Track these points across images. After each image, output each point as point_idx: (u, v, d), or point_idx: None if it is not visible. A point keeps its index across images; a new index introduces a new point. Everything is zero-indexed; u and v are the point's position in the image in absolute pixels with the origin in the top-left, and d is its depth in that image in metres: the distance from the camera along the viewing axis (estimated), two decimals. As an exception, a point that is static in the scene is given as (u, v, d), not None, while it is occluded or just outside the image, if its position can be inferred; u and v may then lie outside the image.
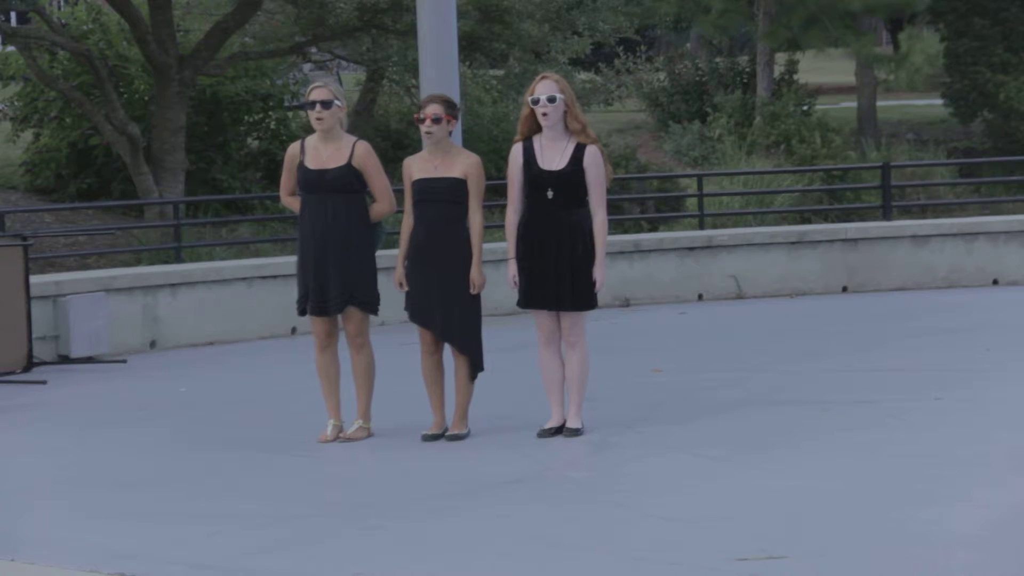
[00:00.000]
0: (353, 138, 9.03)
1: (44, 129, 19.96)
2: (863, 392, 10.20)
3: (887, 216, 17.35)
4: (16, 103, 20.40)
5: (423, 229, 8.91)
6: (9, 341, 12.04)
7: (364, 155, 8.95)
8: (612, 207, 16.80)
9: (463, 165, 8.91)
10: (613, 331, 13.59)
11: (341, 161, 8.92)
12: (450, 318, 8.90)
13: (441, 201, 8.88)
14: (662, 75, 28.84)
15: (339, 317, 9.04)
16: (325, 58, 24.48)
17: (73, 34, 19.45)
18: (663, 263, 15.98)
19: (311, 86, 9.06)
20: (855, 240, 16.36)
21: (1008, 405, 9.66)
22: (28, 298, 12.24)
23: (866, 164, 22.49)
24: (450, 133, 9.01)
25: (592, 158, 8.78)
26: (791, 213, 20.49)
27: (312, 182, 8.93)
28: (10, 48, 20.08)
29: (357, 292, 8.94)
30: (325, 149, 8.97)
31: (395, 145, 21.15)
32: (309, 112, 8.95)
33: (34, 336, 12.38)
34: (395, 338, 11.60)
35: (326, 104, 8.90)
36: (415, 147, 18.30)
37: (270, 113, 21.18)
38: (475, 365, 9.03)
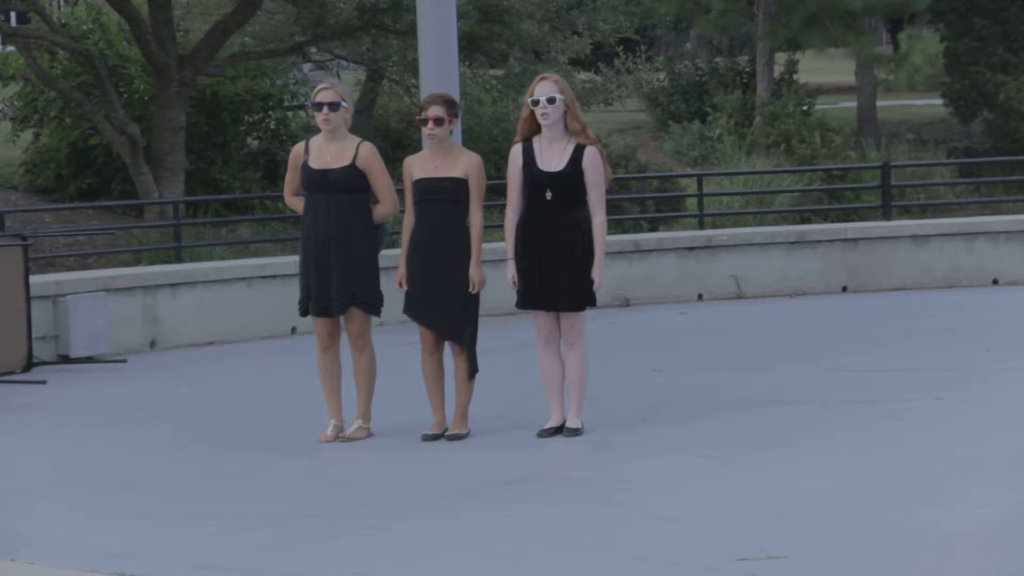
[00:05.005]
0: (357, 139, 9.04)
1: (44, 129, 19.96)
2: (863, 392, 10.20)
3: (887, 216, 17.35)
4: (16, 103, 20.40)
5: (424, 228, 8.91)
6: (9, 341, 12.04)
7: (368, 156, 8.96)
8: (612, 207, 16.80)
9: (464, 165, 8.91)
10: (613, 331, 13.58)
11: (345, 161, 8.92)
12: (451, 317, 8.91)
13: (442, 200, 8.88)
14: (662, 75, 28.85)
15: (341, 318, 9.04)
16: (325, 58, 24.47)
17: (73, 34, 19.45)
18: (663, 263, 15.98)
19: (318, 87, 9.04)
20: (855, 240, 16.36)
21: (1008, 405, 9.66)
22: (28, 298, 12.24)
23: (866, 164, 22.47)
24: (451, 132, 9.02)
25: (591, 159, 8.78)
26: (791, 213, 20.50)
27: (316, 182, 8.93)
28: (10, 48, 20.08)
29: (360, 293, 8.95)
30: (329, 149, 8.97)
31: (395, 145, 21.15)
32: (316, 113, 8.95)
33: (34, 336, 12.38)
34: (395, 338, 11.59)
35: (333, 106, 8.90)
36: (415, 147, 18.31)
37: (270, 113, 21.18)
38: (470, 362, 9.02)
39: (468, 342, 8.97)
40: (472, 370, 9.02)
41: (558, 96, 8.74)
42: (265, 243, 17.06)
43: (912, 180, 23.01)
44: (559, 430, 8.96)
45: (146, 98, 19.41)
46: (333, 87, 9.01)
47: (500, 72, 24.16)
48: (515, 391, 10.26)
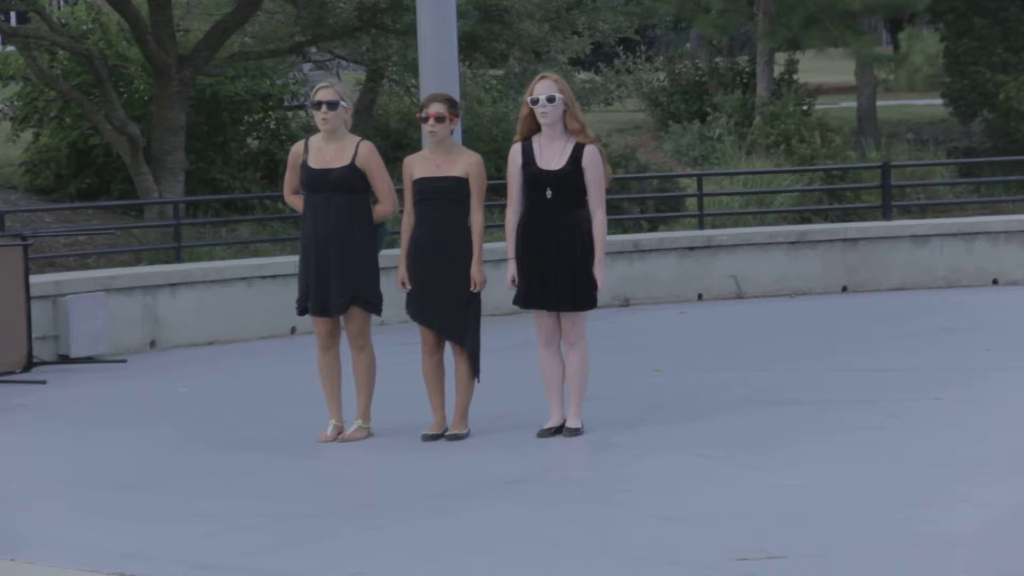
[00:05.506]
0: (357, 138, 9.03)
1: (44, 129, 19.97)
2: (863, 392, 10.20)
3: (887, 216, 17.36)
4: (16, 103, 20.40)
5: (424, 228, 8.91)
6: (9, 341, 12.03)
7: (368, 155, 8.95)
8: (612, 207, 16.80)
9: (464, 164, 8.91)
10: (613, 331, 13.58)
11: (344, 161, 8.91)
12: (452, 317, 8.90)
13: (442, 200, 8.87)
14: (662, 75, 28.86)
15: (341, 317, 9.04)
16: (325, 58, 24.49)
17: (73, 34, 19.46)
18: (663, 263, 15.98)
19: (317, 86, 9.04)
20: (855, 240, 16.36)
21: (1008, 405, 9.66)
22: (28, 298, 12.24)
23: (866, 164, 22.49)
24: (452, 131, 9.02)
25: (591, 158, 8.78)
26: (791, 213, 20.50)
27: (315, 182, 8.93)
28: (10, 48, 20.08)
29: (360, 293, 8.94)
30: (329, 149, 8.96)
31: (395, 145, 21.16)
32: (315, 112, 8.95)
33: (34, 336, 12.37)
34: (395, 338, 11.60)
35: (332, 105, 8.90)
36: (415, 147, 18.31)
37: (270, 113, 21.19)
38: (473, 368, 9.01)
39: (471, 346, 8.96)
40: (474, 374, 9.02)
41: (557, 95, 8.73)
42: (265, 243, 17.07)
43: (912, 180, 23.02)
44: (559, 430, 8.96)
45: (146, 98, 19.42)
46: (332, 86, 9.00)
47: (500, 72, 24.17)
48: (515, 391, 10.25)
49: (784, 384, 10.68)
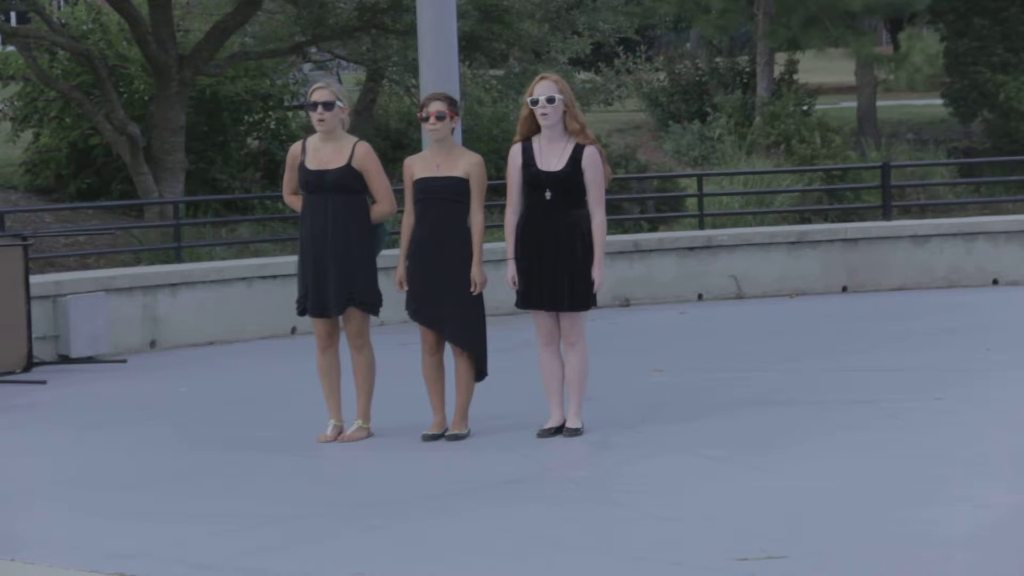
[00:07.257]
0: (354, 139, 9.03)
1: (44, 129, 19.96)
2: (863, 392, 10.20)
3: (887, 216, 17.36)
4: (16, 103, 20.40)
5: (424, 228, 8.91)
6: (9, 341, 12.04)
7: (364, 156, 8.95)
8: (612, 207, 16.80)
9: (465, 164, 8.91)
10: (613, 331, 13.59)
11: (341, 162, 8.92)
12: (454, 318, 8.90)
13: (443, 200, 8.88)
14: (662, 75, 28.85)
15: (340, 318, 9.04)
16: (325, 58, 24.49)
17: (73, 34, 19.46)
18: (663, 263, 15.98)
19: (313, 87, 9.05)
20: (855, 240, 16.36)
21: (1008, 405, 9.66)
22: (28, 298, 12.24)
23: (866, 164, 22.48)
24: (452, 130, 9.02)
25: (590, 159, 8.78)
26: (791, 213, 20.49)
27: (312, 182, 8.93)
28: (10, 48, 20.08)
29: (357, 293, 8.94)
30: (326, 149, 8.97)
31: (395, 145, 21.16)
32: (311, 113, 8.95)
33: (34, 336, 12.37)
34: (395, 338, 11.60)
35: (328, 105, 8.90)
36: (415, 147, 18.32)
37: (270, 113, 21.18)
38: (479, 367, 9.02)
39: (472, 346, 8.95)
40: (480, 375, 9.03)
41: (557, 96, 8.74)
42: (265, 243, 17.06)
43: (912, 180, 23.01)
44: (559, 430, 8.96)
45: (146, 98, 19.42)
46: (327, 86, 9.01)
47: (500, 72, 24.16)
48: (515, 391, 10.25)
49: (784, 384, 10.68)
